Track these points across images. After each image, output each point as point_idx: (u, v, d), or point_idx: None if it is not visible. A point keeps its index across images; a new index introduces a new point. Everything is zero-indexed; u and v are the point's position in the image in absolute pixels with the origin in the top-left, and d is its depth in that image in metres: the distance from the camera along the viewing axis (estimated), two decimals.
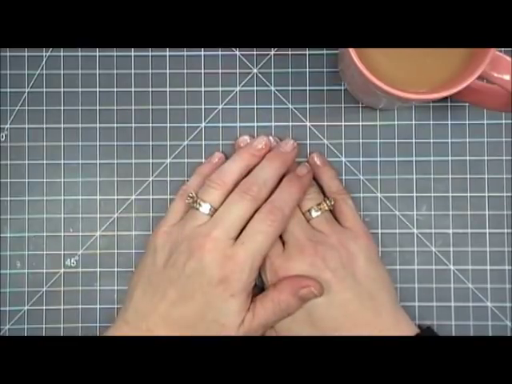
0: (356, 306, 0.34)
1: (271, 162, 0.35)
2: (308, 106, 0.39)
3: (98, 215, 0.39)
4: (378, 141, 0.39)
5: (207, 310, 0.33)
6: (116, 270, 0.39)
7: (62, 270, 0.39)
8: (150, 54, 0.39)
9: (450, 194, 0.39)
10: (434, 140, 0.39)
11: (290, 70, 0.39)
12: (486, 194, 0.39)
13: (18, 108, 0.39)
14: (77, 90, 0.39)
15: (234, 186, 0.35)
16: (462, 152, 0.39)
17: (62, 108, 0.39)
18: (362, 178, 0.39)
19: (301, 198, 0.36)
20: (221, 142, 0.39)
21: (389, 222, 0.39)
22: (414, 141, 0.39)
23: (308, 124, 0.39)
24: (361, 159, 0.39)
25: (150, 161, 0.39)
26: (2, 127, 0.39)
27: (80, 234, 0.39)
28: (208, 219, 0.34)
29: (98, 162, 0.39)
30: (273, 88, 0.39)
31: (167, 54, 0.39)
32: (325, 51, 0.39)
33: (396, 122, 0.39)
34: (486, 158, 0.39)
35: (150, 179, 0.39)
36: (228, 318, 0.33)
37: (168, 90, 0.39)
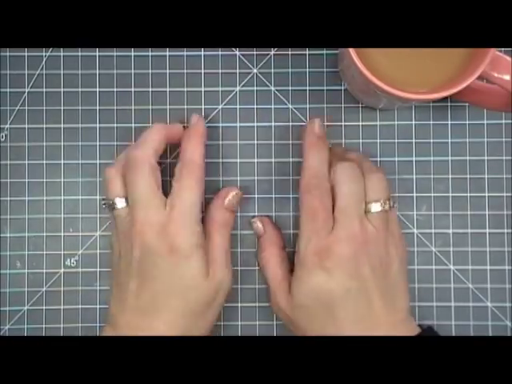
0: (379, 305, 0.33)
1: (155, 126, 0.36)
2: (308, 106, 0.39)
3: (98, 215, 0.39)
4: (378, 141, 0.39)
5: (174, 281, 0.33)
6: None
7: (62, 270, 0.39)
8: (150, 53, 0.39)
9: (450, 194, 0.39)
10: (434, 140, 0.39)
11: (289, 69, 0.39)
12: (486, 194, 0.39)
13: (17, 108, 0.39)
14: (77, 89, 0.39)
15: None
16: (462, 152, 0.39)
17: (62, 108, 0.39)
18: None
19: (203, 143, 0.36)
20: (221, 141, 0.39)
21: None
22: (414, 141, 0.39)
23: None
24: None
25: None
26: (2, 127, 0.39)
27: (80, 233, 0.39)
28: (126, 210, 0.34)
29: (98, 162, 0.39)
30: (273, 88, 0.39)
31: (167, 53, 0.39)
32: (325, 51, 0.39)
33: (396, 122, 0.39)
34: (486, 157, 0.39)
35: None
36: (196, 278, 0.34)
37: (168, 90, 0.39)
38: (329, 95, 0.39)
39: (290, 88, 0.39)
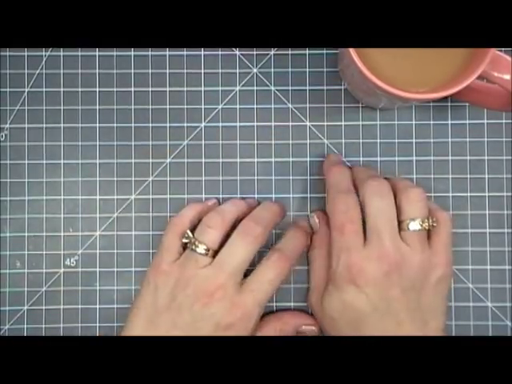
0: (408, 328, 0.33)
1: (270, 206, 0.37)
2: (308, 106, 0.39)
3: (98, 215, 0.39)
4: (378, 141, 0.39)
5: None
6: (116, 269, 0.39)
7: (62, 270, 0.39)
8: (150, 53, 0.39)
9: (451, 194, 0.39)
10: (434, 140, 0.39)
11: (289, 69, 0.39)
12: (486, 194, 0.39)
13: (17, 108, 0.39)
14: (77, 89, 0.39)
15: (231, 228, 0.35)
16: (462, 152, 0.39)
17: (62, 108, 0.39)
18: None
19: (305, 247, 0.37)
20: (221, 141, 0.39)
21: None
22: (414, 141, 0.39)
23: (308, 124, 0.39)
24: (361, 159, 0.39)
25: (150, 160, 0.39)
26: (2, 127, 0.39)
27: (80, 233, 0.39)
28: (208, 260, 0.34)
29: (97, 161, 0.39)
30: (273, 88, 0.39)
31: (167, 53, 0.39)
32: (325, 51, 0.39)
33: (396, 122, 0.39)
34: (486, 157, 0.39)
35: (150, 179, 0.39)
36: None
37: (168, 89, 0.39)
38: (329, 95, 0.39)
39: (290, 88, 0.39)
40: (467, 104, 0.39)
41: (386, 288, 0.32)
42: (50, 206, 0.39)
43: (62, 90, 0.39)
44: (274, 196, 0.39)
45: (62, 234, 0.39)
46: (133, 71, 0.39)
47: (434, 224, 0.34)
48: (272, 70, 0.39)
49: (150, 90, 0.39)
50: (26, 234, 0.39)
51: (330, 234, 0.36)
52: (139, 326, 0.34)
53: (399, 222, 0.33)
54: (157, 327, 0.34)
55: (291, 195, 0.39)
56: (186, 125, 0.39)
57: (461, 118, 0.39)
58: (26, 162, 0.39)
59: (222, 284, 0.33)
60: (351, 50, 0.31)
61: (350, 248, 0.33)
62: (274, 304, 0.39)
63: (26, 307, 0.39)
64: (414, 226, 0.33)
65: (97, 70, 0.39)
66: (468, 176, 0.39)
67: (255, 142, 0.39)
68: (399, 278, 0.32)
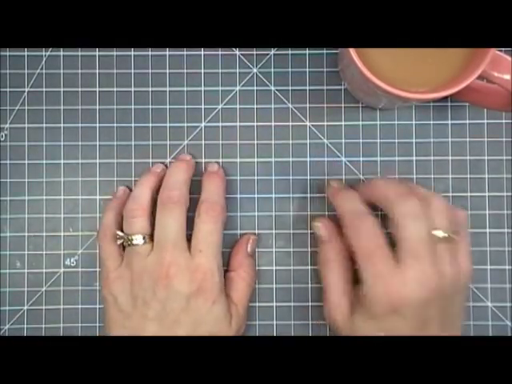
0: (436, 332, 0.33)
1: (177, 167, 0.36)
2: (308, 106, 0.39)
3: (98, 215, 0.39)
4: (378, 141, 0.39)
5: (196, 327, 0.33)
6: None
7: (62, 270, 0.39)
8: (150, 53, 0.39)
9: (451, 194, 0.39)
10: (434, 140, 0.39)
11: (290, 69, 0.39)
12: (487, 194, 0.39)
13: (17, 108, 0.39)
14: (76, 89, 0.39)
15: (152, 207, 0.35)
16: (462, 152, 0.39)
17: (62, 108, 0.39)
18: (362, 177, 0.39)
19: (224, 187, 0.37)
20: (220, 141, 0.39)
21: (389, 222, 0.38)
22: (414, 141, 0.39)
23: (308, 124, 0.39)
24: (361, 159, 0.39)
25: (150, 160, 0.39)
26: (2, 127, 0.39)
27: (80, 233, 0.39)
28: (149, 247, 0.34)
29: (97, 161, 0.39)
30: (273, 88, 0.39)
31: (167, 53, 0.39)
32: (325, 51, 0.39)
33: (396, 122, 0.39)
34: (486, 157, 0.39)
35: None
36: (219, 324, 0.34)
37: (168, 89, 0.39)
38: (329, 95, 0.39)
39: (290, 88, 0.39)
40: (467, 104, 0.39)
41: (426, 309, 0.32)
42: (50, 206, 0.39)
43: (61, 89, 0.39)
44: (274, 196, 0.39)
45: (62, 233, 0.39)
46: (133, 71, 0.39)
47: (455, 235, 0.33)
48: (272, 69, 0.39)
49: (150, 90, 0.39)
50: (26, 234, 0.39)
51: (341, 245, 0.36)
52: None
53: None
54: (131, 330, 0.34)
55: (291, 195, 0.39)
56: (186, 125, 0.39)
57: (461, 118, 0.39)
58: (26, 162, 0.39)
59: (171, 260, 0.33)
60: (351, 50, 0.31)
61: (385, 275, 0.32)
62: (274, 304, 0.39)
63: (26, 307, 0.39)
64: (440, 233, 0.32)
65: (97, 70, 0.39)
66: (468, 176, 0.39)
67: (255, 141, 0.39)
68: (438, 300, 0.32)
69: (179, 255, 0.34)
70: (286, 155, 0.39)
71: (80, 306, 0.39)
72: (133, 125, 0.39)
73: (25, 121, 0.39)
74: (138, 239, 0.34)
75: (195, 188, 0.37)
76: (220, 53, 0.39)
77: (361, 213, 0.34)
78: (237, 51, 0.39)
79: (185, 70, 0.39)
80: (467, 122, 0.39)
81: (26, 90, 0.39)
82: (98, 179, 0.39)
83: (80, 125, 0.39)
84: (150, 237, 0.34)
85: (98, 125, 0.39)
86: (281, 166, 0.39)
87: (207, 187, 0.36)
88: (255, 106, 0.39)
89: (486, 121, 0.39)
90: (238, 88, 0.39)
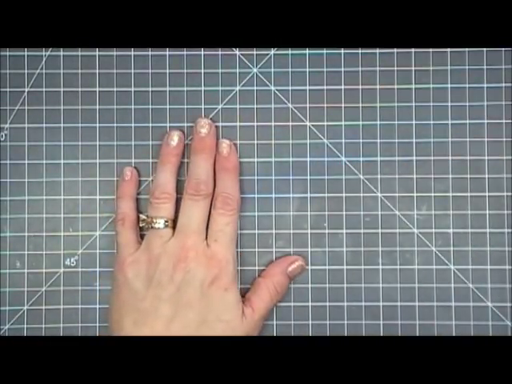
0: None
1: (200, 155, 0.37)
2: (308, 106, 0.39)
3: (98, 215, 0.39)
4: (378, 141, 0.39)
5: (207, 312, 0.34)
6: None
7: (62, 270, 0.39)
8: (150, 53, 0.39)
9: (451, 194, 0.39)
10: (434, 140, 0.39)
11: (290, 69, 0.39)
12: (487, 194, 0.39)
13: (17, 108, 0.39)
14: (76, 89, 0.39)
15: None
16: (462, 152, 0.39)
17: (62, 108, 0.39)
18: (362, 177, 0.39)
19: (238, 178, 0.38)
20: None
21: (389, 222, 0.39)
22: (414, 140, 0.39)
23: (308, 124, 0.39)
24: (361, 159, 0.39)
25: (150, 160, 0.39)
26: (2, 127, 0.39)
27: (80, 233, 0.39)
28: (171, 232, 0.36)
29: (97, 161, 0.39)
30: (273, 88, 0.39)
31: (167, 53, 0.39)
32: (325, 51, 0.39)
33: (396, 122, 0.39)
34: (486, 158, 0.39)
35: (150, 179, 0.39)
36: (229, 312, 0.35)
37: (168, 89, 0.39)
38: (329, 95, 0.39)
39: (290, 88, 0.39)
40: (467, 104, 0.39)
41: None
42: (50, 206, 0.39)
43: (61, 89, 0.39)
44: (274, 196, 0.39)
45: (62, 233, 0.39)
46: (133, 71, 0.39)
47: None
48: (272, 69, 0.39)
49: (150, 90, 0.39)
50: (26, 234, 0.39)
51: None
52: (126, 320, 0.35)
53: None
54: (143, 312, 0.34)
55: (291, 195, 0.39)
56: (186, 125, 0.39)
57: (461, 118, 0.39)
58: (26, 162, 0.39)
59: (191, 245, 0.35)
60: None
61: None
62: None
63: (25, 307, 0.39)
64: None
65: (97, 70, 0.39)
66: (468, 176, 0.39)
67: (255, 141, 0.39)
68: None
69: (199, 243, 0.35)
70: (285, 155, 0.39)
71: (80, 306, 0.39)
72: (133, 125, 0.39)
73: (25, 121, 0.39)
74: (160, 223, 0.36)
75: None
76: (220, 53, 0.39)
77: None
78: (237, 51, 0.39)
79: (185, 70, 0.39)
80: (467, 121, 0.39)
81: (26, 89, 0.39)
82: (98, 179, 0.39)
83: (80, 125, 0.39)
84: (173, 222, 0.36)
85: (97, 125, 0.39)
86: (281, 166, 0.39)
87: (222, 178, 0.37)
88: (255, 106, 0.39)
89: (486, 121, 0.39)
90: (238, 88, 0.39)
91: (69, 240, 0.39)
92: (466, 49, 0.38)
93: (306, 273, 0.39)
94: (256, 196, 0.39)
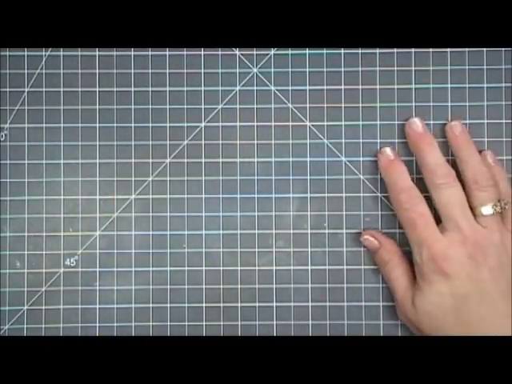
0: (504, 306, 0.34)
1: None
2: (308, 106, 0.39)
3: (98, 215, 0.39)
4: (379, 140, 0.39)
5: None
6: (115, 269, 0.39)
7: (62, 270, 0.39)
8: (150, 53, 0.39)
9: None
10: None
11: (290, 69, 0.39)
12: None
13: (17, 108, 0.39)
14: (76, 89, 0.39)
15: None
16: None
17: (62, 108, 0.39)
18: (362, 177, 0.39)
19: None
20: (220, 141, 0.39)
21: (389, 222, 0.39)
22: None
23: (308, 124, 0.39)
24: (361, 159, 0.39)
25: (150, 160, 0.39)
26: (2, 127, 0.39)
27: (80, 233, 0.39)
28: None
29: (97, 161, 0.39)
30: (273, 88, 0.39)
31: (167, 53, 0.39)
32: (325, 51, 0.39)
33: (396, 122, 0.39)
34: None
35: (150, 179, 0.39)
36: None
37: (168, 89, 0.39)
38: (329, 95, 0.39)
39: (290, 88, 0.39)
40: (467, 104, 0.39)
41: (475, 270, 0.34)
42: (50, 206, 0.39)
43: (61, 89, 0.39)
44: (274, 196, 0.39)
45: (62, 233, 0.39)
46: (133, 71, 0.39)
47: (506, 206, 0.35)
48: (272, 69, 0.39)
49: (150, 90, 0.39)
50: (26, 234, 0.39)
51: (392, 242, 0.38)
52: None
53: (472, 208, 0.35)
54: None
55: (291, 195, 0.39)
56: (185, 125, 0.39)
57: (461, 117, 0.39)
58: (26, 162, 0.39)
59: None
60: None
61: (428, 240, 0.34)
62: (274, 304, 0.39)
63: (25, 307, 0.39)
64: (487, 210, 0.35)
65: (97, 70, 0.39)
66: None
67: (255, 141, 0.39)
68: (484, 259, 0.34)
69: None
70: (286, 155, 0.39)
71: (80, 306, 0.39)
72: (133, 125, 0.39)
73: (25, 121, 0.39)
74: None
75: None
76: (220, 53, 0.39)
77: (406, 187, 0.36)
78: (237, 51, 0.39)
79: (185, 70, 0.39)
80: (467, 122, 0.39)
81: (26, 89, 0.39)
82: (97, 179, 0.39)
83: (80, 125, 0.39)
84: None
85: (97, 125, 0.39)
86: (281, 166, 0.39)
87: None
88: (255, 106, 0.39)
89: (486, 121, 0.39)
90: (238, 88, 0.39)
91: (69, 240, 0.39)
92: (466, 49, 0.39)
93: (306, 273, 0.39)
94: (256, 196, 0.39)
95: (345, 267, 0.39)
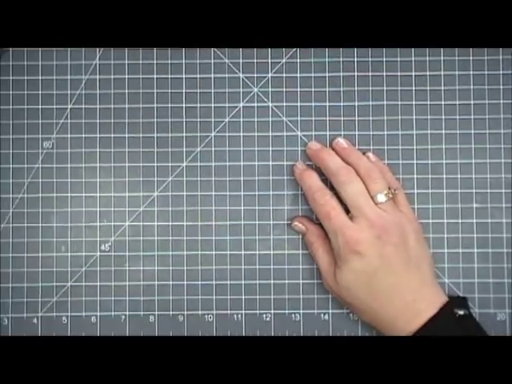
0: (407, 275, 0.36)
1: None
2: (299, 119, 0.41)
3: (127, 209, 0.42)
4: (378, 141, 0.41)
5: None
6: (142, 253, 0.41)
7: (98, 254, 0.42)
8: (170, 76, 0.41)
9: (446, 191, 0.41)
10: (431, 146, 0.41)
11: (284, 89, 0.41)
12: (488, 191, 0.41)
13: (62, 121, 0.41)
14: (109, 106, 0.42)
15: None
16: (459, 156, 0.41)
17: (98, 121, 0.41)
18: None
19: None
20: (227, 148, 0.42)
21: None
22: (414, 148, 0.41)
23: (299, 134, 0.42)
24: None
25: (170, 164, 0.42)
26: (49, 137, 0.41)
27: (112, 223, 0.42)
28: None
29: (126, 165, 0.42)
30: (270, 104, 0.41)
31: (183, 76, 0.42)
32: (312, 74, 0.41)
33: (400, 132, 0.41)
34: (487, 160, 0.41)
35: (170, 179, 0.41)
36: None
37: (184, 105, 0.41)
38: (316, 110, 0.42)
39: (285, 104, 0.41)
40: (469, 103, 0.40)
41: (381, 248, 0.36)
42: (88, 202, 0.41)
43: (98, 106, 0.42)
44: (271, 193, 0.41)
45: (98, 224, 0.41)
46: (155, 91, 0.41)
47: (396, 191, 0.39)
48: (270, 89, 0.42)
49: (170, 106, 0.41)
50: (69, 225, 0.41)
51: (317, 227, 0.40)
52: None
53: (371, 198, 0.38)
54: None
55: (285, 192, 0.42)
56: (199, 134, 0.41)
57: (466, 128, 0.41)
58: (69, 165, 0.42)
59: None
60: None
61: (342, 227, 0.37)
62: (272, 282, 0.41)
63: (69, 283, 0.41)
64: (382, 198, 0.38)
65: (126, 90, 0.41)
66: (473, 176, 0.41)
67: (256, 148, 0.42)
68: (388, 237, 0.36)
69: None
70: (281, 159, 0.42)
71: (113, 283, 0.41)
72: (155, 135, 0.41)
73: (68, 132, 0.41)
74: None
75: None
76: (227, 76, 0.41)
77: (318, 188, 0.39)
78: (240, 74, 0.41)
79: (198, 90, 0.42)
80: (472, 132, 0.41)
81: (69, 106, 0.42)
82: (127, 179, 0.42)
83: (112, 135, 0.42)
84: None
85: (126, 135, 0.42)
86: (277, 169, 0.41)
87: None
88: (256, 120, 0.42)
89: (487, 131, 0.41)
90: (241, 104, 0.42)
91: (103, 229, 0.41)
92: (471, 57, 0.39)
93: (298, 256, 0.41)
94: (257, 193, 0.42)
95: None
